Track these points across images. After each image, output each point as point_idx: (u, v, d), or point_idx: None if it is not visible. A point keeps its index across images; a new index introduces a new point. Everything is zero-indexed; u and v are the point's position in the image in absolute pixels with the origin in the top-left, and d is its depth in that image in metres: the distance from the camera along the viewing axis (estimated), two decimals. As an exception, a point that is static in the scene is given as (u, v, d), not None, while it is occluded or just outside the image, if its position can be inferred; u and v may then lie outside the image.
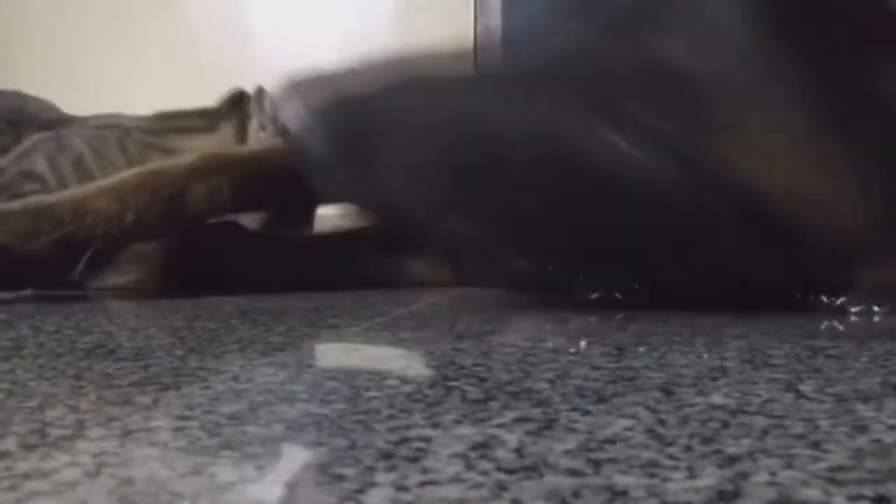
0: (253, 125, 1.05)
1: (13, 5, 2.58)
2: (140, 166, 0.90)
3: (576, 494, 0.25)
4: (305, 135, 0.73)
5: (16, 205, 0.84)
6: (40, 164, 1.00)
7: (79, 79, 2.24)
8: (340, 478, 0.27)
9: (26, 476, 0.27)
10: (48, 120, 1.12)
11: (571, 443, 0.30)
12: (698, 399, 0.36)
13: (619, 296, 0.75)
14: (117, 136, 1.06)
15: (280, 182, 0.90)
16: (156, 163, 0.90)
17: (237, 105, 1.08)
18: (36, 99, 1.17)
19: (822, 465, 0.27)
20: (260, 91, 1.08)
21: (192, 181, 0.86)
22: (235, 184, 0.88)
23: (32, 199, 0.86)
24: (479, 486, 0.25)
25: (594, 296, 0.79)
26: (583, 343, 0.50)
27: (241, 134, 1.05)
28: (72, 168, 1.01)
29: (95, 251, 0.82)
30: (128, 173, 0.88)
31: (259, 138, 1.03)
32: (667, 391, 0.38)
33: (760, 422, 0.32)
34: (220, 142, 1.03)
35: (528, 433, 0.31)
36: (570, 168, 0.64)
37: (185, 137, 1.04)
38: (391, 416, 0.34)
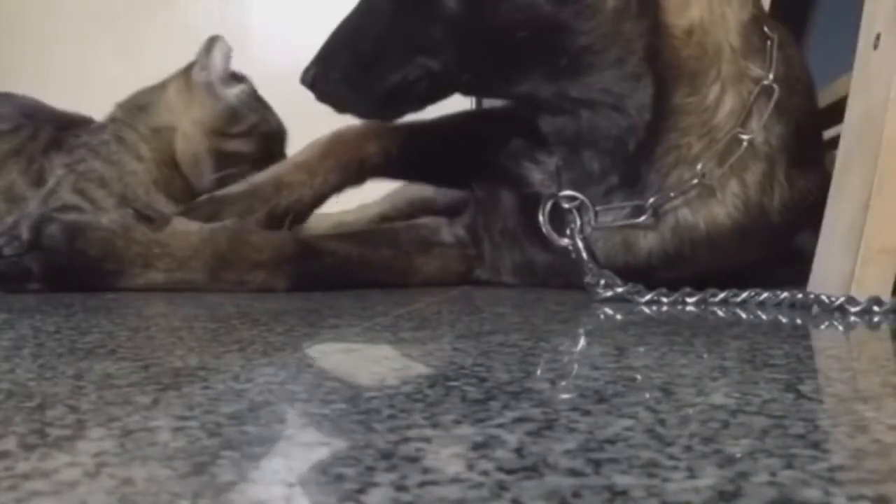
0: (195, 68, 1.10)
1: (12, 5, 2.58)
2: (321, 138, 1.03)
3: (576, 494, 0.25)
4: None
5: (234, 189, 0.99)
6: (71, 198, 1.05)
7: (78, 79, 2.24)
8: (340, 478, 0.27)
9: (26, 476, 0.27)
10: (58, 117, 1.14)
11: (571, 443, 0.30)
12: (698, 399, 0.36)
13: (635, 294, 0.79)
14: (112, 129, 1.10)
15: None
16: (334, 131, 1.02)
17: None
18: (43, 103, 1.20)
19: (822, 465, 0.27)
20: (211, 39, 1.13)
21: (365, 143, 1.01)
22: (400, 145, 1.01)
23: (244, 183, 0.99)
24: (479, 486, 0.25)
25: (609, 294, 0.80)
26: (583, 343, 0.50)
27: (185, 82, 1.10)
28: (98, 187, 1.06)
29: (294, 215, 0.97)
30: (313, 147, 1.02)
31: (199, 78, 1.10)
32: (667, 391, 0.38)
33: (760, 422, 0.32)
34: (170, 92, 1.10)
35: (528, 433, 0.31)
36: None
37: (150, 93, 1.11)
38: (391, 416, 0.34)
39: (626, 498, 0.24)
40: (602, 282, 0.82)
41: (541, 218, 0.89)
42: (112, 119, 1.11)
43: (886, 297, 0.71)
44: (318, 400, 0.37)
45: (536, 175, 0.93)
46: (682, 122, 0.81)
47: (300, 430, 0.32)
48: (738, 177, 0.83)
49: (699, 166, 0.82)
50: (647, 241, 0.86)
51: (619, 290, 0.80)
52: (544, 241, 0.90)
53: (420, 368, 0.43)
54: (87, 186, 1.05)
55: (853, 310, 0.70)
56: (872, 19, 0.79)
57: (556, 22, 0.76)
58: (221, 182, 1.04)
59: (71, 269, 0.88)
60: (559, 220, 0.88)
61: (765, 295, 0.76)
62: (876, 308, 0.70)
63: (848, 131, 0.81)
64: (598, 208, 0.85)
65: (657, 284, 0.81)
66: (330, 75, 0.86)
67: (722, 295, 0.77)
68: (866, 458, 0.28)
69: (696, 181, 0.82)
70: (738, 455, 0.28)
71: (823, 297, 0.72)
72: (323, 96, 0.89)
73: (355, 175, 1.01)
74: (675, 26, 0.80)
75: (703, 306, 0.75)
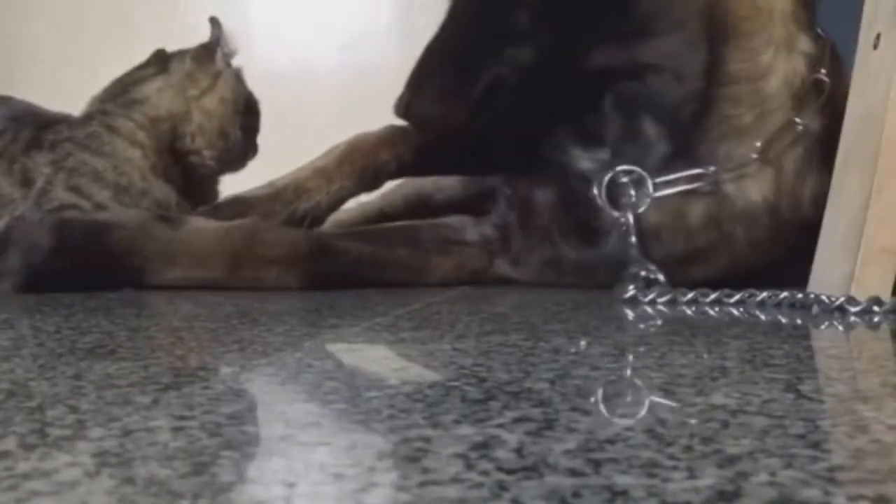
0: (219, 54, 1.14)
1: (10, 5, 2.58)
2: (340, 144, 1.07)
3: (576, 494, 0.25)
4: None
5: (258, 192, 1.04)
6: (67, 197, 1.05)
7: (78, 79, 2.24)
8: (340, 478, 0.27)
9: (26, 476, 0.27)
10: (39, 116, 1.16)
11: (571, 443, 0.30)
12: (698, 399, 0.36)
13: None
14: (100, 121, 1.10)
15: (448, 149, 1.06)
16: (352, 138, 1.06)
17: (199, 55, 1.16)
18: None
19: (822, 465, 0.27)
20: (216, 22, 1.18)
21: (379, 151, 1.04)
22: (416, 151, 1.04)
23: (267, 186, 1.04)
24: (479, 486, 0.25)
25: (628, 294, 0.80)
26: (583, 343, 0.50)
27: (202, 66, 1.12)
28: (92, 181, 1.06)
29: (311, 218, 1.02)
30: (331, 153, 1.06)
31: (223, 62, 1.14)
32: (667, 391, 0.38)
33: (760, 422, 0.32)
34: (173, 80, 1.12)
35: (528, 433, 0.31)
36: None
37: (145, 85, 1.12)
38: (391, 416, 0.34)
39: (626, 498, 0.24)
40: (643, 273, 0.83)
41: (596, 191, 0.90)
42: (101, 112, 1.10)
43: (886, 297, 0.71)
44: (318, 400, 0.37)
45: (585, 163, 0.94)
46: (733, 91, 0.82)
47: (300, 430, 0.32)
48: (780, 162, 0.85)
49: (758, 143, 0.83)
50: (697, 214, 0.87)
51: (649, 295, 0.80)
52: (578, 239, 0.93)
53: (420, 368, 0.43)
54: (80, 182, 1.04)
55: (853, 310, 0.70)
56: (872, 19, 0.79)
57: None
58: (244, 151, 1.12)
59: (95, 268, 0.89)
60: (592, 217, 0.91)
61: (764, 295, 0.76)
62: (876, 308, 0.70)
63: (848, 131, 0.81)
64: (656, 180, 0.87)
65: (688, 280, 0.82)
66: (422, 95, 0.88)
67: (738, 295, 0.77)
68: (866, 458, 0.28)
69: (753, 156, 0.83)
70: (738, 455, 0.28)
71: (823, 297, 0.72)
72: (419, 121, 0.91)
73: (371, 181, 1.05)
74: None
75: (717, 307, 0.75)
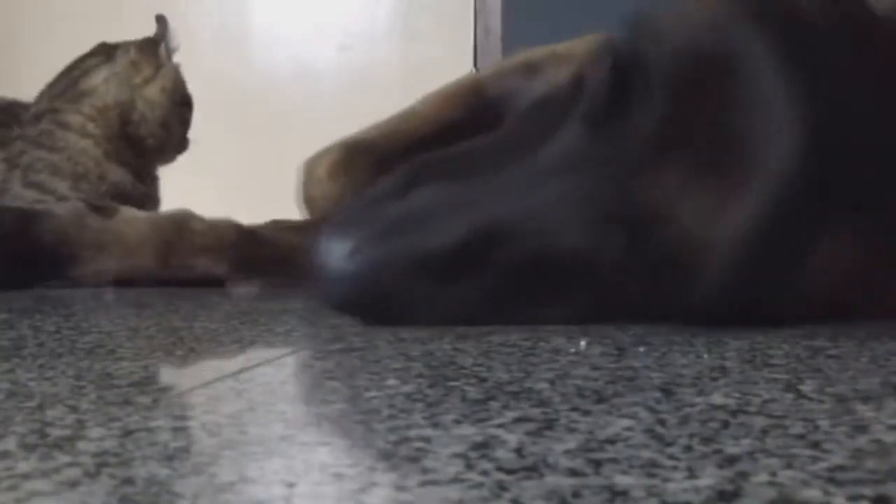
0: (162, 47, 1.18)
1: (11, 6, 2.58)
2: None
3: (576, 494, 0.25)
4: None
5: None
6: (28, 194, 1.09)
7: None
8: (340, 478, 0.27)
9: (26, 476, 0.27)
10: None
11: (571, 443, 0.30)
12: (698, 399, 0.36)
13: None
14: (50, 119, 1.13)
15: None
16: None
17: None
18: None
19: (822, 465, 0.27)
20: (162, 19, 1.21)
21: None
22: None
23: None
24: (479, 486, 0.25)
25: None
26: (583, 343, 0.50)
27: (146, 56, 1.16)
28: (51, 175, 1.10)
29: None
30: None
31: (166, 54, 1.18)
32: (667, 391, 0.38)
33: (760, 422, 0.32)
34: (118, 69, 1.15)
35: (528, 433, 0.31)
36: None
37: (92, 75, 1.15)
38: (391, 416, 0.34)
39: (626, 498, 0.24)
40: None
41: None
42: (51, 110, 1.14)
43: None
44: (318, 400, 0.37)
45: None
46: None
47: (300, 430, 0.32)
48: None
49: None
50: None
51: None
52: None
53: (420, 368, 0.43)
54: (39, 178, 1.09)
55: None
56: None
57: None
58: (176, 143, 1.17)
59: (26, 256, 0.90)
60: None
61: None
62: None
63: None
64: None
65: None
66: None
67: None
68: (866, 458, 0.28)
69: None
70: (738, 455, 0.28)
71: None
72: None
73: None
74: None
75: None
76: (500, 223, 0.57)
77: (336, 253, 0.57)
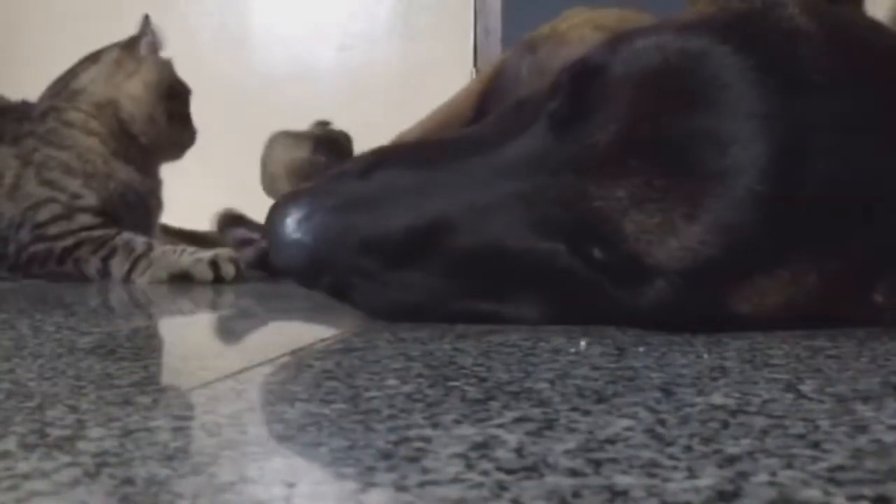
0: (142, 42, 1.19)
1: (11, 6, 2.58)
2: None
3: (576, 494, 0.25)
4: None
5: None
6: (41, 192, 1.10)
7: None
8: (340, 478, 0.27)
9: (26, 476, 0.27)
10: None
11: (571, 443, 0.30)
12: (698, 399, 0.36)
13: None
14: (54, 117, 1.14)
15: None
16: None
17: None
18: None
19: (822, 465, 0.27)
20: (146, 17, 1.22)
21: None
22: None
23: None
24: (479, 486, 0.25)
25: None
26: (583, 343, 0.50)
27: (128, 54, 1.18)
28: (63, 173, 1.11)
29: None
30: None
31: (146, 50, 1.19)
32: (667, 391, 0.38)
33: (760, 422, 0.32)
34: (104, 66, 1.18)
35: (528, 433, 0.31)
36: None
37: (81, 76, 1.17)
38: (391, 416, 0.34)
39: (626, 498, 0.24)
40: None
41: None
42: (52, 108, 1.16)
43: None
44: (318, 400, 0.37)
45: None
46: None
47: (300, 430, 0.32)
48: None
49: None
50: None
51: None
52: None
53: (420, 368, 0.43)
54: (52, 176, 1.11)
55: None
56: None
57: None
58: (170, 139, 1.18)
59: None
60: None
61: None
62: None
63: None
64: None
65: None
66: None
67: None
68: (866, 458, 0.28)
69: None
70: (738, 455, 0.28)
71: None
72: None
73: None
74: None
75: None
76: (448, 216, 0.57)
77: (289, 217, 0.59)
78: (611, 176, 0.54)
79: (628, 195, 0.53)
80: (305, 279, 0.61)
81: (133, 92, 1.15)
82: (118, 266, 1.06)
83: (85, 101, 1.15)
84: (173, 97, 1.19)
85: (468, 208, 0.57)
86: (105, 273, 1.07)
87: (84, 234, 1.08)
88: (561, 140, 0.56)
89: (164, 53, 1.22)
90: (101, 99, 1.15)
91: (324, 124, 1.25)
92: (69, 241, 1.08)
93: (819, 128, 0.52)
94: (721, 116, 0.52)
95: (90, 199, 1.10)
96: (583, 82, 0.56)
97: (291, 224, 0.59)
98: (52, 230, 1.08)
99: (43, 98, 1.19)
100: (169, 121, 1.17)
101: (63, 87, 1.18)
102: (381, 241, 0.58)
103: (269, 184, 1.23)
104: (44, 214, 1.09)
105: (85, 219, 1.09)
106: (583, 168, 0.54)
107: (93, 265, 1.07)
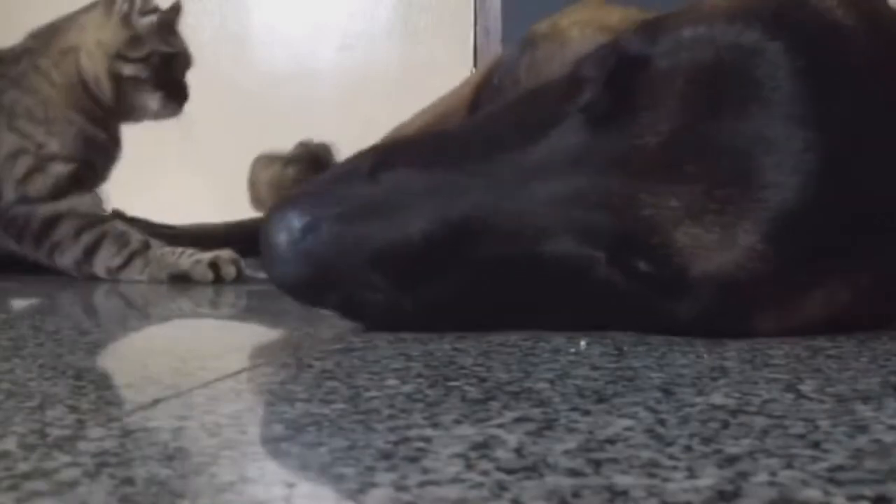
0: (118, 3, 1.15)
1: (12, 6, 2.58)
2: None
3: (576, 494, 0.25)
4: None
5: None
6: (11, 139, 1.09)
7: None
8: (340, 478, 0.27)
9: (26, 476, 0.27)
10: None
11: (571, 443, 0.30)
12: (698, 399, 0.36)
13: None
14: (28, 61, 1.13)
15: None
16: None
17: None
18: None
19: (822, 465, 0.27)
20: None
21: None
22: None
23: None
24: (479, 486, 0.25)
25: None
26: (583, 343, 0.50)
27: (107, 6, 1.15)
28: (28, 121, 1.10)
29: None
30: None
31: (122, 7, 1.15)
32: (667, 391, 0.38)
33: (760, 422, 0.32)
34: (85, 13, 1.16)
35: (528, 433, 0.31)
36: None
37: (66, 19, 1.16)
38: (391, 416, 0.34)
39: (626, 498, 0.24)
40: None
41: None
42: (26, 49, 1.16)
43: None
44: (318, 400, 0.37)
45: None
46: None
47: (300, 430, 0.32)
48: None
49: None
50: None
51: None
52: None
53: (420, 368, 0.43)
54: (18, 124, 1.11)
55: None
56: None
57: None
58: (124, 101, 1.14)
59: None
60: None
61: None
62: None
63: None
64: None
65: None
66: None
67: None
68: (866, 458, 0.28)
69: None
70: (738, 455, 0.28)
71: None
72: None
73: None
74: None
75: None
76: (479, 217, 0.52)
77: (291, 225, 0.52)
78: (664, 182, 0.50)
79: (684, 205, 0.49)
80: (310, 296, 0.56)
81: (88, 46, 1.14)
82: (105, 258, 1.03)
83: (55, 46, 1.14)
84: (130, 60, 1.13)
85: (496, 212, 0.52)
86: (84, 267, 1.03)
87: (65, 205, 1.06)
88: (603, 138, 0.52)
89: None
90: (65, 46, 1.14)
91: (305, 145, 1.25)
92: (49, 210, 1.06)
93: (866, 135, 0.50)
94: (775, 122, 0.49)
95: (53, 145, 1.09)
96: (621, 75, 0.52)
97: (294, 234, 0.52)
98: (31, 188, 1.07)
99: (27, 37, 1.18)
100: (135, 85, 1.13)
101: (49, 26, 1.17)
102: (399, 252, 0.52)
103: (255, 205, 1.24)
104: (20, 168, 1.08)
105: (58, 167, 1.08)
106: (631, 171, 0.50)
107: (71, 255, 1.04)
